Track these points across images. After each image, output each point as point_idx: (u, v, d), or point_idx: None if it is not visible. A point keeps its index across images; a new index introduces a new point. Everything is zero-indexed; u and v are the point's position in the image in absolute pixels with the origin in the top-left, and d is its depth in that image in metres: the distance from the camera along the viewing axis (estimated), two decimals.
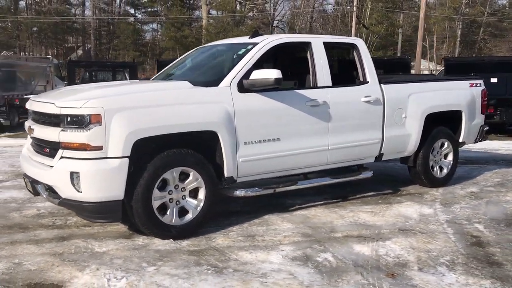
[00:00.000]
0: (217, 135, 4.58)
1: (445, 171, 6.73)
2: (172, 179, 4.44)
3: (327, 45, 5.60)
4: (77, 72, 17.20)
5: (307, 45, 5.45)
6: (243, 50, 5.20)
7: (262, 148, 4.91)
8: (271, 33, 53.15)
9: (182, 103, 4.50)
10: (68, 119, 4.15)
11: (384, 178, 7.28)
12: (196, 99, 4.59)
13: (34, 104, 4.70)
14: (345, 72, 6.18)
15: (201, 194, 4.62)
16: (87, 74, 17.23)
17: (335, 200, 5.93)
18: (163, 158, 4.35)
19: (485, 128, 7.19)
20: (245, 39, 5.53)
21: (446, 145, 6.68)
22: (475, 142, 7.26)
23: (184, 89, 4.72)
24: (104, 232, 4.69)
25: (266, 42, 5.17)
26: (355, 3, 36.14)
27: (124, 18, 51.65)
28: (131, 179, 4.23)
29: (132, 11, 55.35)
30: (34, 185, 4.56)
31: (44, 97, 4.81)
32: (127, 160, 4.13)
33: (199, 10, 47.98)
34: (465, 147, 9.73)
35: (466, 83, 6.89)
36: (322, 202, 5.82)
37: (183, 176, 4.54)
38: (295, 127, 5.15)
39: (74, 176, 4.09)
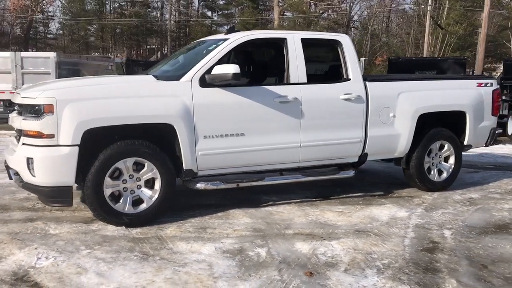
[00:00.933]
0: (174, 128, 4.70)
1: (444, 175, 6.37)
2: (126, 169, 4.63)
3: (306, 42, 5.54)
4: (137, 70, 18.12)
5: (282, 41, 5.42)
6: (213, 46, 5.28)
7: (224, 143, 4.96)
8: (346, 33, 52.54)
9: (138, 96, 4.67)
10: (27, 109, 4.48)
11: (384, 180, 7.04)
12: (153, 92, 4.75)
13: (14, 95, 5.09)
14: (329, 69, 6.06)
15: (157, 185, 4.76)
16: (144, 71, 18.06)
17: (314, 199, 5.84)
18: (114, 148, 4.54)
19: (497, 131, 6.70)
20: (221, 36, 5.61)
21: (446, 147, 6.32)
22: (486, 145, 6.79)
23: (142, 82, 4.90)
24: (70, 216, 4.97)
25: (234, 38, 5.22)
26: (429, 2, 34.69)
27: (201, 20, 53.27)
28: (87, 167, 4.48)
29: (209, 13, 57.07)
30: (8, 170, 4.94)
31: (22, 89, 5.20)
32: (77, 148, 4.37)
33: (272, 12, 48.33)
34: (491, 150, 9.16)
35: (472, 83, 6.48)
36: (298, 200, 5.76)
37: (139, 167, 4.71)
38: (261, 123, 5.15)
39: (29, 162, 4.40)
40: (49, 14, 51.60)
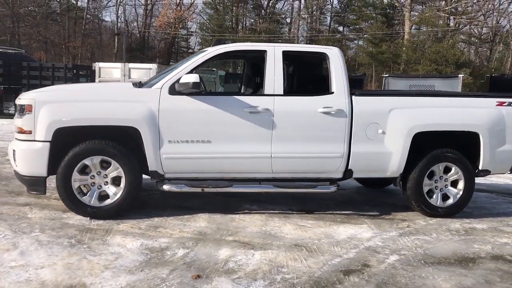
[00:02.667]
0: (139, 131, 5.09)
1: (450, 200, 5.82)
2: (93, 166, 5.13)
3: (289, 54, 5.58)
4: (232, 81, 19.06)
5: (262, 53, 5.52)
6: (192, 56, 5.59)
7: (189, 148, 5.22)
8: (491, 50, 48.63)
9: (109, 100, 5.16)
10: (18, 108, 5.22)
11: (396, 200, 6.64)
12: (124, 98, 5.20)
13: None
14: (312, 82, 5.97)
15: (122, 183, 5.19)
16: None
17: (293, 212, 5.78)
18: (82, 146, 5.07)
19: None
20: (209, 48, 5.89)
21: (453, 171, 5.79)
22: (511, 172, 6.06)
23: (118, 89, 5.39)
24: (55, 205, 5.60)
25: (212, 50, 5.47)
26: None
27: (331, 35, 53.50)
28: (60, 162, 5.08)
29: (340, 28, 57.07)
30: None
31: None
32: (48, 144, 4.98)
33: (402, 26, 46.73)
34: None
35: (489, 101, 5.85)
36: (275, 212, 5.76)
37: (108, 165, 5.18)
38: (229, 132, 5.30)
39: (14, 153, 5.13)
40: (190, 30, 56.06)
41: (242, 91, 6.90)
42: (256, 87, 6.06)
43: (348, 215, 5.76)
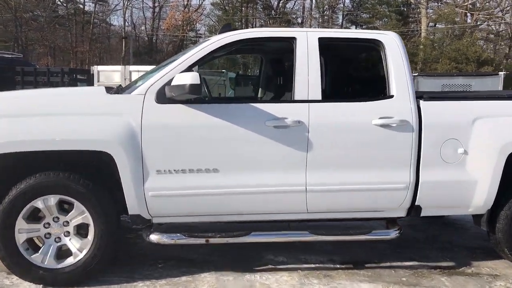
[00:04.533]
0: (113, 158, 3.46)
1: None
2: (47, 209, 3.50)
3: (327, 43, 3.92)
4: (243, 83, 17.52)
5: (290, 42, 3.86)
6: (191, 48, 3.94)
7: (187, 181, 3.58)
8: (510, 47, 46.42)
9: (67, 113, 3.52)
10: None
11: (470, 241, 4.93)
12: (90, 109, 3.56)
13: None
14: (362, 81, 4.32)
15: (91, 233, 3.55)
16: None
17: (337, 265, 4.11)
18: (32, 181, 3.45)
19: None
20: (214, 37, 4.24)
21: None
22: None
23: (83, 96, 3.75)
24: None
25: (217, 39, 3.81)
26: None
27: None
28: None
29: (353, 27, 55.25)
30: None
31: None
32: None
33: (418, 23, 44.83)
34: None
35: None
36: (311, 266, 4.08)
37: (69, 207, 3.56)
38: (244, 156, 3.65)
39: None
40: (198, 32, 54.53)
41: (259, 96, 5.24)
42: (279, 91, 4.46)
43: (414, 270, 4.07)
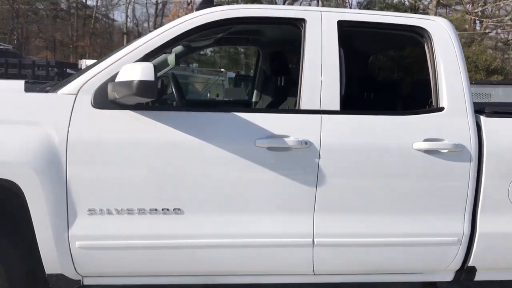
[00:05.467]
0: (21, 190, 2.26)
1: None
2: None
3: (351, 29, 2.72)
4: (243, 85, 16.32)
5: (298, 26, 2.66)
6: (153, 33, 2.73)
7: (136, 226, 2.38)
8: None
9: None
10: None
11: None
12: None
13: None
14: (397, 85, 3.12)
15: None
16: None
17: None
18: None
19: None
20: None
21: None
22: None
23: None
24: None
25: (189, 18, 2.60)
26: None
27: None
28: None
29: None
30: None
31: None
32: None
33: None
34: None
35: None
36: None
37: None
38: (222, 191, 2.44)
39: None
40: None
41: (254, 100, 4.04)
42: (280, 96, 3.23)
43: None
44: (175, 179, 2.39)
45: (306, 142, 2.44)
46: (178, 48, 3.80)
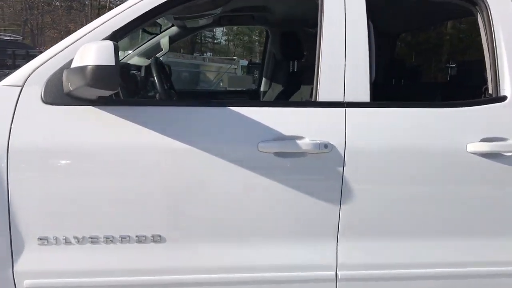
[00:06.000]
0: None
1: None
2: None
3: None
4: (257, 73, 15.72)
5: None
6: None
7: (103, 258, 1.81)
8: None
9: None
10: None
11: None
12: None
13: None
14: (451, 71, 2.54)
15: None
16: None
17: None
18: None
19: None
20: None
21: None
22: None
23: None
24: None
25: None
26: None
27: None
28: None
29: None
30: None
31: None
32: None
33: None
34: None
35: None
36: None
37: None
38: (214, 211, 1.85)
39: None
40: None
41: (262, 90, 3.43)
42: (293, 84, 2.61)
43: None
44: (152, 198, 1.81)
45: (326, 145, 1.84)
46: (172, 30, 3.23)
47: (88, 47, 1.62)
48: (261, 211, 1.86)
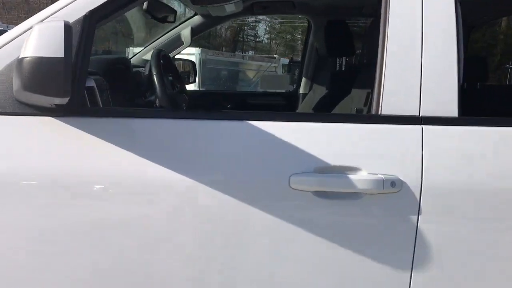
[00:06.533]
0: None
1: None
2: None
3: None
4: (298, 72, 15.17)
5: None
6: None
7: None
8: None
9: None
10: None
11: None
12: None
13: None
14: None
15: None
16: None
17: None
18: None
19: None
20: None
21: None
22: None
23: None
24: None
25: None
26: None
27: None
28: None
29: None
30: None
31: None
32: None
33: None
34: None
35: None
36: None
37: None
38: (234, 272, 1.26)
39: None
40: (258, 16, 52.19)
41: (301, 92, 2.81)
42: (341, 88, 1.99)
43: None
44: (135, 251, 1.24)
45: (393, 182, 1.21)
46: (194, 20, 2.67)
47: (34, 29, 1.06)
48: (292, 275, 1.26)
